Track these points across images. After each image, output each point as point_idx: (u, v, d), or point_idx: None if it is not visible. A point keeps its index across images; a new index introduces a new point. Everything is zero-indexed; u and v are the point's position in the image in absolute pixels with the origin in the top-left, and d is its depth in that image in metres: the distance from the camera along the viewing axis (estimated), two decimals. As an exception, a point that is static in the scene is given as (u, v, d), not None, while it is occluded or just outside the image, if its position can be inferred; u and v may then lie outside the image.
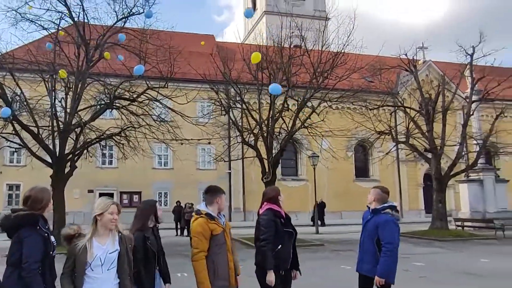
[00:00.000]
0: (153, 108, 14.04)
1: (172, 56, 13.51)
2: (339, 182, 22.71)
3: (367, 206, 3.60)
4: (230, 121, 14.97)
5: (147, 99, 13.39)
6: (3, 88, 12.14)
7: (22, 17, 13.64)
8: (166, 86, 13.15)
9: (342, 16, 15.44)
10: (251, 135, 14.37)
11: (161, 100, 13.43)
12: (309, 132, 13.83)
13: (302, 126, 13.53)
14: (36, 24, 13.95)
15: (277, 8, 26.12)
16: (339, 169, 20.99)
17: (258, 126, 13.76)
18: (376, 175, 24.28)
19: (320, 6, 32.62)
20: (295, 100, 14.26)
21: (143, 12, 13.90)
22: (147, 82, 13.35)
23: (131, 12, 13.95)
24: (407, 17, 75.95)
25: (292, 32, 16.67)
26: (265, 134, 13.59)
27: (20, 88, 12.63)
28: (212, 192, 3.00)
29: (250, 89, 15.29)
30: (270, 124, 13.65)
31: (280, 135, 13.91)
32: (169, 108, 13.77)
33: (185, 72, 15.60)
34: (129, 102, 13.23)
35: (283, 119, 14.08)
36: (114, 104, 13.22)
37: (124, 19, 14.17)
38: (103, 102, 13.48)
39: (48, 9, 13.49)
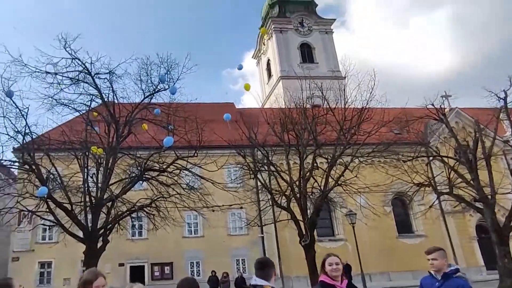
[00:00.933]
0: (182, 177, 14.40)
1: (199, 125, 14.22)
2: (382, 240, 21.52)
3: (429, 272, 3.28)
4: (260, 184, 15.14)
5: (176, 169, 13.80)
6: (39, 169, 12.91)
7: (57, 102, 14.69)
8: (195, 155, 13.64)
9: (361, 73, 16.16)
10: (283, 197, 14.37)
11: (190, 169, 13.82)
12: (344, 190, 13.73)
13: (336, 184, 13.49)
14: (69, 107, 15.02)
15: (294, 72, 27.81)
16: (380, 226, 20.10)
17: (289, 187, 13.82)
18: (420, 230, 22.97)
19: (334, 66, 34.67)
20: (324, 158, 14.47)
21: (168, 88, 15.07)
22: (176, 152, 13.88)
23: (157, 89, 15.07)
24: (423, 68, 78.75)
25: (313, 93, 17.55)
26: (298, 195, 13.58)
27: (55, 167, 13.38)
28: (269, 266, 2.90)
29: (277, 151, 15.74)
30: (301, 184, 13.69)
31: (313, 195, 13.85)
32: (199, 176, 14.13)
33: (212, 140, 16.37)
34: (158, 172, 13.68)
35: (314, 179, 14.14)
36: (144, 175, 13.69)
37: (150, 96, 15.24)
38: (133, 175, 13.98)
39: (81, 93, 14.67)
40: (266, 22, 40.20)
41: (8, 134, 13.13)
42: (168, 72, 14.78)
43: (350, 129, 14.72)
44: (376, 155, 14.23)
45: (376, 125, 14.25)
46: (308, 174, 14.07)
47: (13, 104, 12.86)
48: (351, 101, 16.12)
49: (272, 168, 14.79)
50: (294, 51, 36.63)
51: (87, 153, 13.60)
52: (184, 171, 13.96)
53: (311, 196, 13.86)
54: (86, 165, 13.64)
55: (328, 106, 15.92)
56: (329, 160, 14.23)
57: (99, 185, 13.26)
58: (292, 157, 15.30)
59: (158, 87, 15.20)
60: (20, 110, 13.00)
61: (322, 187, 13.77)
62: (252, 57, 44.87)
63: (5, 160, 13.93)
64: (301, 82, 17.86)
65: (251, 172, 15.14)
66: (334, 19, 39.76)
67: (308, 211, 13.43)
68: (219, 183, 13.57)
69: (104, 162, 13.68)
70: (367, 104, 14.91)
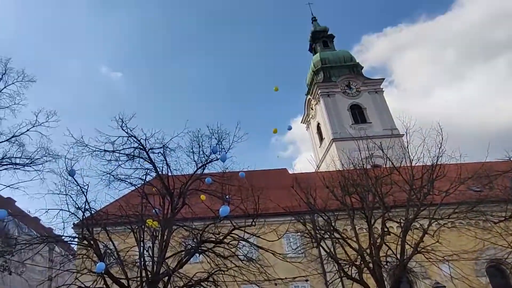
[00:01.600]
0: (240, 248, 13.84)
1: (254, 193, 14.04)
2: (480, 317, 18.16)
3: None
4: (324, 253, 14.03)
5: (233, 240, 13.43)
6: (98, 244, 13.13)
7: (114, 178, 15.36)
8: (253, 224, 13.27)
9: (424, 128, 15.38)
10: (353, 267, 13.03)
11: (248, 239, 13.32)
12: (426, 258, 12.15)
13: (416, 252, 12.02)
14: (126, 182, 15.59)
15: (349, 133, 27.47)
16: (477, 301, 17.09)
17: (359, 256, 12.56)
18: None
19: (390, 125, 34.00)
20: (396, 222, 13.24)
21: (221, 160, 15.27)
22: (232, 222, 13.65)
23: (209, 160, 15.41)
24: (498, 117, 74.43)
25: (372, 153, 16.97)
26: (371, 265, 12.22)
27: (112, 242, 13.53)
28: None
29: (340, 216, 14.84)
30: (373, 252, 12.40)
31: (389, 264, 12.39)
32: (257, 247, 13.49)
33: (268, 207, 15.95)
34: (215, 244, 13.32)
35: (387, 245, 12.81)
36: (200, 248, 13.35)
37: (203, 167, 15.52)
38: (189, 247, 13.69)
39: (136, 168, 15.27)
40: (311, 88, 41.52)
41: (69, 211, 13.79)
42: (220, 143, 15.24)
43: (422, 188, 13.59)
44: (459, 216, 12.69)
45: (452, 182, 12.98)
46: (379, 240, 12.81)
47: (75, 182, 13.79)
48: (417, 158, 15.21)
49: (336, 235, 13.73)
50: (345, 113, 36.86)
51: (143, 227, 13.68)
52: (241, 241, 13.46)
53: (386, 266, 12.39)
54: (142, 238, 13.66)
55: (392, 165, 15.12)
56: (402, 224, 12.95)
57: (155, 259, 13.04)
58: (358, 222, 14.22)
59: (210, 157, 15.52)
60: (81, 187, 13.86)
61: (398, 255, 12.33)
62: (301, 122, 45.72)
63: (66, 236, 14.44)
64: (357, 143, 17.52)
65: (313, 241, 14.16)
66: (383, 79, 40.16)
67: (386, 283, 11.88)
68: (279, 253, 12.77)
69: (160, 235, 13.66)
70: (437, 160, 13.90)
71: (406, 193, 13.97)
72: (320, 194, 15.70)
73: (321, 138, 39.36)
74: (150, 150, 14.70)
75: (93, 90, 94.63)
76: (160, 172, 15.06)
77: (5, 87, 16.45)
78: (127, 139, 14.27)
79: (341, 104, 37.50)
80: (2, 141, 16.14)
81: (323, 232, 14.42)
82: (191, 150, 15.48)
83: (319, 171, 25.30)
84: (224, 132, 15.24)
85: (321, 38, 46.58)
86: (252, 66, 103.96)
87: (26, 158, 16.24)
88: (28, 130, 16.44)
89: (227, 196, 14.04)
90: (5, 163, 15.98)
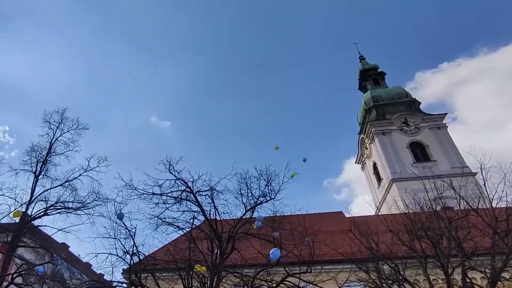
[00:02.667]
0: (296, 298, 12.87)
1: (309, 237, 13.37)
2: None
3: None
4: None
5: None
6: (145, 290, 12.93)
7: (162, 221, 15.60)
8: (309, 270, 12.49)
9: (503, 164, 13.93)
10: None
11: (304, 287, 12.40)
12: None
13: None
14: (173, 226, 15.72)
15: (412, 172, 25.97)
16: None
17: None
18: None
19: (458, 161, 31.79)
20: (480, 271, 11.65)
21: (269, 199, 15.08)
22: (286, 269, 12.94)
23: (258, 202, 15.15)
24: None
25: (441, 193, 15.75)
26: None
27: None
28: None
29: (409, 263, 13.46)
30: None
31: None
32: None
33: (324, 253, 15.01)
34: (269, 293, 12.51)
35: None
36: (253, 296, 12.62)
37: (252, 209, 15.24)
38: (240, 296, 13.02)
39: (183, 211, 15.44)
40: (364, 127, 40.54)
41: (117, 255, 14.02)
42: (269, 184, 15.05)
43: (509, 232, 12.02)
44: None
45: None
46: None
47: (123, 226, 14.05)
48: (498, 197, 13.66)
49: (407, 286, 12.33)
50: (404, 151, 35.22)
51: (191, 272, 13.46)
52: None
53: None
54: (190, 285, 13.37)
55: (468, 206, 13.72)
56: (488, 275, 11.34)
57: (204, 308, 12.48)
58: (432, 271, 12.73)
59: (259, 199, 15.23)
60: (129, 230, 14.07)
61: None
62: (356, 163, 44.30)
63: (115, 282, 14.46)
64: (423, 182, 16.40)
65: (380, 292, 12.81)
66: (445, 114, 38.18)
67: None
68: (341, 306, 11.59)
69: (209, 281, 13.22)
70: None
71: (489, 237, 12.42)
72: (383, 239, 14.61)
73: (379, 179, 37.64)
74: (198, 193, 14.82)
75: (144, 138, 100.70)
76: (208, 215, 14.99)
77: (61, 135, 18.01)
78: (175, 182, 14.57)
79: (398, 142, 36.00)
80: (56, 186, 17.25)
81: (390, 281, 13.07)
82: (240, 192, 15.35)
83: (379, 213, 23.70)
84: (273, 173, 15.08)
85: (371, 76, 46.31)
86: (299, 108, 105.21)
87: (78, 202, 17.15)
88: (80, 175, 17.58)
89: (275, 233, 13.60)
90: (58, 207, 16.93)
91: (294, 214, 16.01)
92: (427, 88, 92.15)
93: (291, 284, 12.77)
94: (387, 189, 34.06)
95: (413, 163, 33.85)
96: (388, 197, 32.60)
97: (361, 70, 47.74)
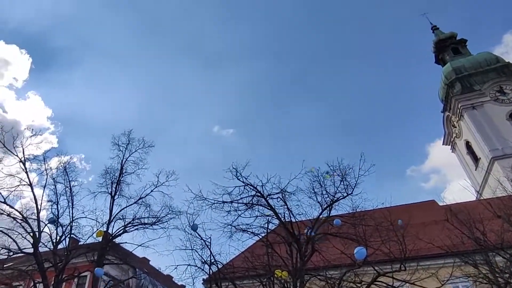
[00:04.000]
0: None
1: (397, 232, 12.48)
2: None
3: None
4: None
5: None
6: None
7: (236, 228, 15.67)
8: (403, 268, 11.66)
9: None
10: None
11: (400, 287, 11.48)
12: None
13: None
14: (248, 232, 15.75)
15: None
16: None
17: None
18: None
19: None
20: None
21: (347, 195, 14.47)
22: (376, 268, 12.28)
23: (335, 199, 14.68)
24: None
25: None
26: None
27: (241, 296, 13.34)
28: None
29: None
30: None
31: None
32: None
33: (419, 247, 13.82)
34: (358, 295, 11.82)
35: None
36: (341, 300, 12.02)
37: (328, 207, 14.79)
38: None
39: (257, 216, 15.37)
40: (448, 103, 37.27)
41: (196, 266, 14.52)
42: (343, 179, 14.50)
43: None
44: None
45: None
46: None
47: (198, 236, 14.57)
48: None
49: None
50: (503, 124, 31.75)
51: (271, 278, 13.44)
52: None
53: None
54: (272, 291, 13.18)
55: None
56: None
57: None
58: None
59: (336, 196, 14.68)
60: (204, 241, 14.57)
61: None
62: (443, 144, 40.83)
63: (196, 292, 14.87)
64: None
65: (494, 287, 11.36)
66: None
67: None
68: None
69: (292, 286, 12.99)
70: None
71: None
72: (490, 227, 13.37)
73: (475, 159, 34.34)
74: (269, 196, 14.70)
75: (208, 148, 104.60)
76: (282, 218, 14.85)
77: (130, 155, 19.18)
78: (244, 188, 14.59)
79: (495, 114, 32.56)
80: (131, 204, 18.43)
81: (507, 275, 11.52)
82: (313, 191, 14.97)
83: (481, 198, 21.38)
84: (347, 167, 14.52)
85: (448, 46, 42.76)
86: (370, 97, 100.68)
87: (153, 217, 18.18)
88: (152, 191, 18.56)
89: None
90: (135, 223, 18.11)
91: (377, 208, 15.18)
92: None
93: (384, 285, 12.11)
94: (487, 169, 30.83)
95: (518, 135, 30.42)
96: (490, 178, 29.40)
97: (435, 41, 44.15)
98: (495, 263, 12.45)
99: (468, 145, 35.43)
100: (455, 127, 37.22)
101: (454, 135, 38.07)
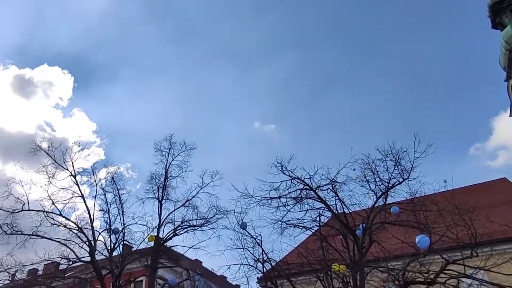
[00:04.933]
0: (464, 288, 11.32)
1: (465, 216, 11.75)
2: None
3: None
4: None
5: (451, 278, 11.33)
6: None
7: (286, 224, 15.43)
8: (475, 254, 11.05)
9: None
10: None
11: (472, 275, 10.78)
12: None
13: None
14: (299, 227, 15.54)
15: None
16: None
17: None
18: None
19: None
20: None
21: (403, 180, 13.94)
22: (443, 256, 11.76)
23: (390, 186, 14.18)
24: None
25: None
26: None
27: (299, 293, 13.19)
28: None
29: None
30: None
31: None
32: (490, 284, 10.81)
33: (492, 231, 12.91)
34: (426, 285, 11.36)
35: None
36: (408, 291, 11.53)
37: (384, 195, 14.34)
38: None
39: (307, 210, 15.10)
40: (511, 70, 34.42)
41: (249, 264, 14.67)
42: (398, 164, 13.95)
43: None
44: None
45: None
46: None
47: (248, 235, 14.73)
48: None
49: None
50: None
51: (329, 273, 13.29)
52: (464, 279, 11.05)
53: None
54: (331, 285, 13.22)
55: None
56: None
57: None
58: None
59: (391, 182, 14.14)
60: (254, 238, 14.68)
61: None
62: (511, 116, 37.87)
63: (252, 290, 14.92)
64: None
65: None
66: None
67: None
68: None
69: (351, 280, 12.78)
70: None
71: None
72: None
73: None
74: (318, 189, 14.42)
75: (251, 145, 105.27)
76: (334, 210, 14.60)
77: (173, 159, 19.60)
78: (291, 182, 14.41)
79: None
80: (179, 207, 18.88)
81: None
82: (365, 179, 14.52)
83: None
84: (400, 150, 13.95)
85: (506, 8, 39.13)
86: (421, 73, 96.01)
87: (201, 219, 18.56)
88: (197, 192, 18.90)
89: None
90: (185, 226, 18.58)
91: (439, 191, 14.35)
92: None
93: (456, 273, 11.46)
94: None
95: None
96: None
97: (490, 4, 40.93)
98: None
99: (544, 114, 32.63)
100: (525, 94, 34.43)
101: (524, 103, 35.27)
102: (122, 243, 18.31)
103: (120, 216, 18.42)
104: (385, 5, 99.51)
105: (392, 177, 13.90)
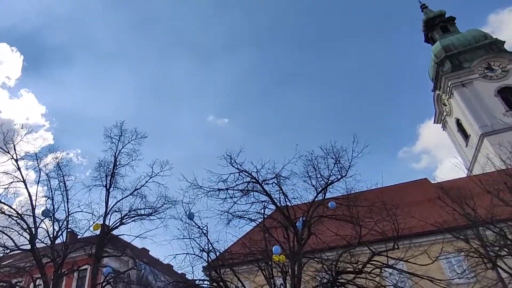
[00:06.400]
0: (386, 278, 12.46)
1: (390, 212, 12.75)
2: None
3: None
4: (507, 274, 11.60)
5: (375, 268, 12.25)
6: (227, 285, 13.45)
7: (232, 215, 15.82)
8: (396, 247, 12.06)
9: None
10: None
11: (394, 265, 11.93)
12: None
13: None
14: (245, 218, 15.97)
15: (502, 123, 23.68)
16: None
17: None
18: None
19: None
20: None
21: (341, 177, 14.77)
22: (371, 248, 12.66)
23: (329, 182, 14.95)
24: None
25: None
26: None
27: (241, 282, 13.80)
28: None
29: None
30: None
31: None
32: (408, 273, 11.97)
33: (412, 226, 14.30)
34: (354, 275, 12.26)
35: None
36: (338, 280, 12.47)
37: (323, 190, 15.09)
38: (325, 281, 12.90)
39: (252, 202, 15.61)
40: (438, 81, 37.71)
41: (195, 254, 14.70)
42: (337, 162, 14.76)
43: None
44: None
45: None
46: None
47: (195, 225, 14.73)
48: None
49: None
50: (492, 100, 32.25)
51: (270, 263, 13.72)
52: (386, 269, 12.18)
53: None
54: (271, 275, 13.56)
55: None
56: None
57: (289, 297, 12.56)
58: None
59: (330, 179, 14.98)
60: (201, 229, 14.74)
61: None
62: (434, 123, 41.46)
63: (196, 280, 15.22)
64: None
65: (485, 261, 11.84)
66: (538, 46, 33.96)
67: None
68: (440, 280, 11.06)
69: (290, 270, 13.31)
70: None
71: None
72: (480, 202, 13.77)
73: (466, 136, 34.96)
74: (264, 182, 14.92)
75: (204, 138, 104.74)
76: (278, 203, 15.11)
77: (123, 147, 19.16)
78: (239, 175, 14.79)
79: (483, 91, 33.00)
80: (127, 196, 18.50)
81: (497, 248, 11.99)
82: (307, 175, 15.23)
83: (472, 175, 21.95)
84: (340, 149, 14.78)
85: (437, 25, 42.87)
86: (360, 79, 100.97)
87: (149, 208, 18.32)
88: (146, 182, 18.62)
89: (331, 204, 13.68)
90: (132, 215, 18.22)
91: (371, 189, 15.52)
92: (505, 31, 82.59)
93: (380, 264, 12.37)
94: (477, 146, 31.46)
95: (505, 111, 30.96)
96: (479, 155, 30.10)
97: (424, 20, 44.23)
98: (485, 237, 12.91)
99: (458, 123, 35.92)
100: (446, 105, 37.63)
101: (444, 113, 38.55)
102: (65, 231, 17.65)
103: (64, 203, 17.73)
104: (335, 12, 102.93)
105: (331, 174, 14.65)
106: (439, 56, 38.52)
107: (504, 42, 36.81)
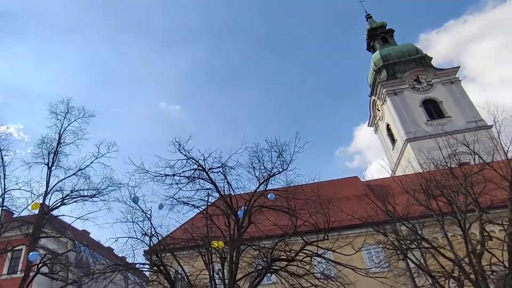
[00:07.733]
0: (315, 266, 13.49)
1: (324, 205, 13.65)
2: None
3: None
4: (414, 265, 13.12)
5: (306, 256, 13.15)
6: (167, 270, 13.62)
7: (177, 201, 15.92)
8: (326, 238, 12.93)
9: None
10: (450, 279, 11.94)
11: (322, 254, 12.94)
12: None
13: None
14: (189, 205, 16.00)
15: (424, 131, 26.00)
16: None
17: (457, 267, 11.48)
18: None
19: (473, 116, 31.71)
20: (498, 224, 11.97)
21: (282, 170, 15.25)
22: (304, 238, 13.46)
23: (271, 174, 15.41)
24: None
25: (455, 150, 15.83)
26: (472, 276, 11.08)
27: (181, 266, 13.97)
28: None
29: (426, 222, 13.88)
30: (474, 261, 11.25)
31: (495, 274, 11.15)
32: (334, 262, 13.04)
33: (341, 219, 15.46)
34: (287, 262, 13.10)
35: (490, 252, 11.58)
36: (272, 267, 13.22)
37: (265, 182, 15.55)
38: (260, 267, 13.62)
39: (197, 189, 15.68)
40: (375, 88, 40.19)
41: (137, 238, 14.55)
42: (280, 155, 15.25)
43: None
44: None
45: None
46: (479, 247, 11.62)
47: (139, 209, 14.57)
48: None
49: (425, 244, 12.75)
50: (417, 110, 35.04)
51: (209, 249, 13.94)
52: (316, 258, 13.10)
53: (492, 276, 11.15)
54: (210, 261, 13.91)
55: (482, 161, 13.87)
56: (506, 227, 11.66)
57: (226, 281, 13.15)
58: (450, 228, 13.10)
59: (272, 171, 15.51)
60: (145, 213, 14.59)
61: (506, 263, 11.06)
62: (368, 126, 44.26)
63: (136, 264, 15.19)
64: (436, 140, 16.53)
65: (398, 252, 13.29)
66: (458, 67, 37.53)
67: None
68: (360, 268, 12.18)
69: (228, 256, 13.79)
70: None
71: (505, 190, 12.63)
72: (399, 201, 14.96)
73: (393, 140, 37.71)
74: (210, 170, 15.09)
75: (154, 124, 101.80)
76: (222, 192, 15.37)
77: (68, 125, 18.43)
78: (186, 162, 14.80)
79: (411, 100, 35.75)
80: (70, 175, 17.86)
81: (408, 242, 13.49)
82: (252, 166, 15.58)
83: (395, 176, 24.02)
84: (284, 144, 15.25)
85: (379, 35, 45.41)
86: (306, 76, 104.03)
87: (92, 190, 17.78)
88: (92, 162, 18.13)
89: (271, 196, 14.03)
90: (74, 196, 17.60)
91: (308, 183, 16.41)
92: (434, 48, 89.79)
93: (310, 253, 13.21)
94: (401, 150, 34.20)
95: (426, 121, 33.78)
96: (402, 158, 32.82)
97: (368, 29, 46.68)
98: (400, 231, 14.34)
99: (388, 128, 38.61)
100: (379, 110, 40.18)
101: (378, 118, 41.14)
102: (0, 208, 16.75)
103: (0, 179, 16.80)
104: (290, 13, 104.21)
105: (274, 166, 15.07)
106: (377, 65, 41.03)
107: (432, 58, 40.17)
